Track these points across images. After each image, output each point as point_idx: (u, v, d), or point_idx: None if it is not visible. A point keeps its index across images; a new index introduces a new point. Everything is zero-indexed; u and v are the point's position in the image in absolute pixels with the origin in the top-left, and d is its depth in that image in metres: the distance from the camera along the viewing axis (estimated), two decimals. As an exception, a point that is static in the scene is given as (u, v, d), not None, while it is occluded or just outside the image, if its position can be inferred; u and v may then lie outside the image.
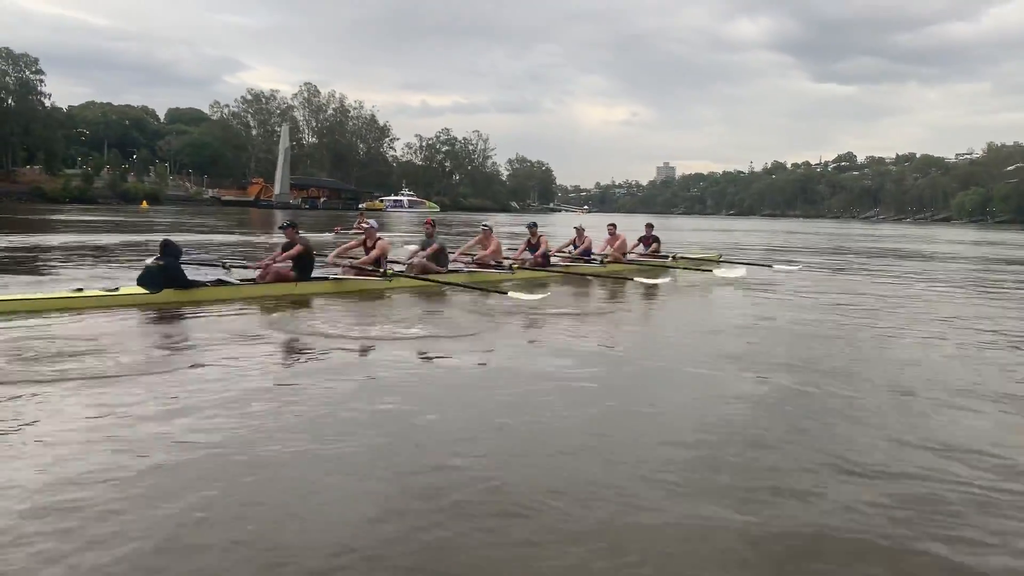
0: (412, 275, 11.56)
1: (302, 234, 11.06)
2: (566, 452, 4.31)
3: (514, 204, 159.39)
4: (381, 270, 11.29)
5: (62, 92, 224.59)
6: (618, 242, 15.57)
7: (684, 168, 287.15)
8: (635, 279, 12.86)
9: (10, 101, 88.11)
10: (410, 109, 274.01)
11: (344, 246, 12.23)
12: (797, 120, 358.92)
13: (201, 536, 3.13)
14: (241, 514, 3.36)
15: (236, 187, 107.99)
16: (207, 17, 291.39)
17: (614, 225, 16.21)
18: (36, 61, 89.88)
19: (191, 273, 9.77)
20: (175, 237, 12.27)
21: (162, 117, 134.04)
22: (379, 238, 11.73)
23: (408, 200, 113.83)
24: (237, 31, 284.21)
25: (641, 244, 16.97)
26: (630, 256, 16.11)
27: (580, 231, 15.43)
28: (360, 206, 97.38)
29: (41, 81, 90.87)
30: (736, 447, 4.44)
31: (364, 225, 14.52)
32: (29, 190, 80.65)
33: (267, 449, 4.17)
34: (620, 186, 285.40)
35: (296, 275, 10.50)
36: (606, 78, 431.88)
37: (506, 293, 10.32)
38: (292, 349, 7.15)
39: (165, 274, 9.17)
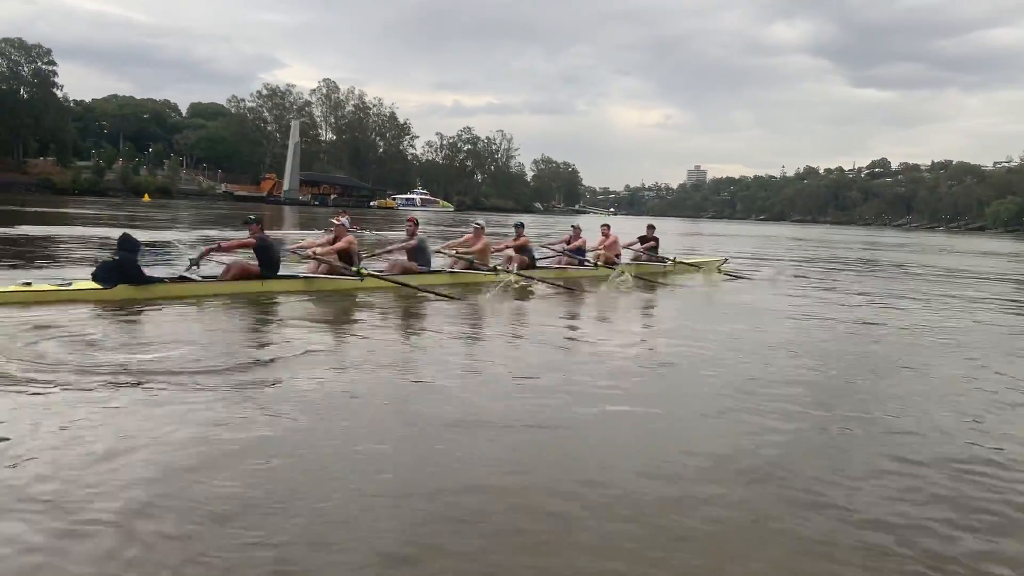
0: (384, 276, 11.36)
1: (266, 233, 10.58)
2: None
3: (538, 205, 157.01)
4: (354, 268, 11.03)
5: (103, 87, 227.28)
6: (610, 243, 15.58)
7: (716, 172, 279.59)
8: (621, 286, 13.25)
9: (22, 92, 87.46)
10: (443, 109, 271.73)
11: (311, 240, 12.03)
12: (833, 125, 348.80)
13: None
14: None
15: (251, 182, 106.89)
16: (244, 14, 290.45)
17: (607, 226, 16.22)
18: (49, 52, 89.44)
19: (155, 270, 9.59)
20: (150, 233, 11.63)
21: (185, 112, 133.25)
22: (346, 234, 11.63)
23: (421, 198, 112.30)
24: (273, 29, 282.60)
25: (638, 242, 16.97)
26: (623, 258, 16.11)
27: (577, 229, 15.84)
28: (372, 203, 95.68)
29: (54, 72, 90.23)
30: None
31: (335, 221, 14.24)
32: (38, 181, 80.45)
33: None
34: (650, 189, 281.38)
35: (262, 272, 10.17)
36: (641, 81, 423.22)
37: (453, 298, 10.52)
38: (253, 348, 6.70)
39: (120, 269, 8.95)
